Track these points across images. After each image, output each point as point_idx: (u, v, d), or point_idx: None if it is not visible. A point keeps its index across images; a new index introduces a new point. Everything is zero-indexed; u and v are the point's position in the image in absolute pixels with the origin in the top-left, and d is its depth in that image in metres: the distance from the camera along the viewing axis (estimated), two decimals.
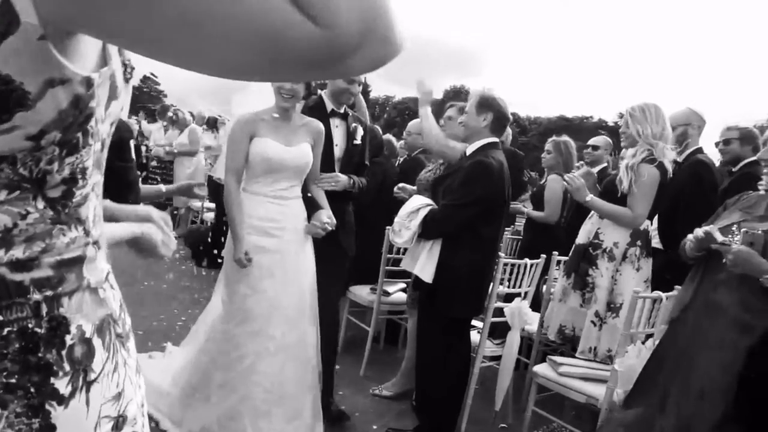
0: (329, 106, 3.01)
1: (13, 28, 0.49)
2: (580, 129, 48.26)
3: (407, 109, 58.93)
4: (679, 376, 2.01)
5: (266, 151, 2.52)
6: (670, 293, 2.53)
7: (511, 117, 2.99)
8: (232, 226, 2.51)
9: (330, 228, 2.62)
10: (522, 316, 3.01)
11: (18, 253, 0.59)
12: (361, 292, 4.00)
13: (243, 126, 2.56)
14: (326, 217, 2.61)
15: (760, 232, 1.94)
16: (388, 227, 3.67)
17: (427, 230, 2.75)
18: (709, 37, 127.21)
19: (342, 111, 3.05)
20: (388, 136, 6.23)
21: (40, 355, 0.59)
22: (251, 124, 2.55)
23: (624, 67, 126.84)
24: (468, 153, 2.86)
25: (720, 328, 1.96)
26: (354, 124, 3.07)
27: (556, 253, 3.47)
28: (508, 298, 3.15)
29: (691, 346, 2.02)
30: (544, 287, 3.47)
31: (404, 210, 2.85)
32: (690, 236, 2.15)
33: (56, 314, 0.61)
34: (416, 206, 2.81)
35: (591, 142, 4.70)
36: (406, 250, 3.00)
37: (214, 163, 7.15)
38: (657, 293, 2.56)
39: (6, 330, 0.57)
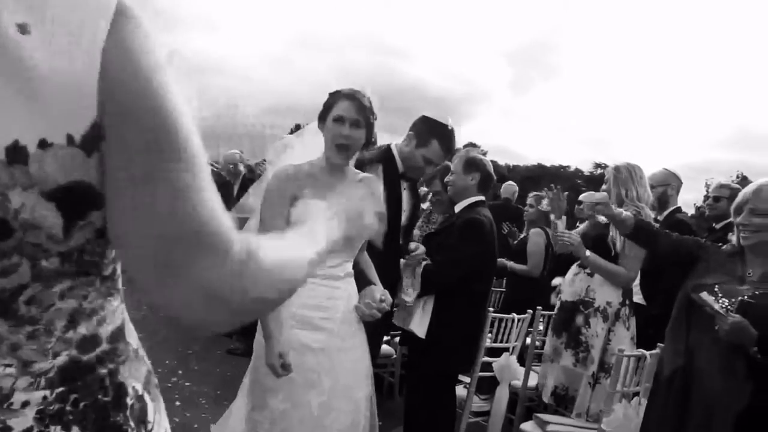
0: (400, 166, 2.69)
1: (98, 145, 0.57)
2: (558, 177, 49.49)
3: None
4: None
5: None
6: (653, 351, 2.58)
7: (495, 176, 3.11)
8: (263, 319, 1.91)
9: (387, 308, 2.07)
10: (511, 371, 3.03)
11: (83, 329, 0.65)
12: None
13: (283, 183, 1.98)
14: (380, 294, 2.06)
15: (754, 300, 1.95)
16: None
17: (426, 286, 2.79)
18: (679, 88, 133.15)
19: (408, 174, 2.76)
20: None
21: (111, 420, 0.67)
22: (293, 181, 1.99)
23: (599, 118, 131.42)
24: (457, 211, 2.95)
25: (705, 395, 2.00)
26: (423, 188, 2.92)
27: (540, 307, 3.52)
28: (493, 352, 3.17)
29: (679, 417, 2.05)
30: (527, 341, 3.50)
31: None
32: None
33: (117, 382, 0.69)
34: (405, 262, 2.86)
35: (582, 198, 4.85)
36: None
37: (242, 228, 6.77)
38: (641, 351, 2.61)
39: (82, 404, 0.64)
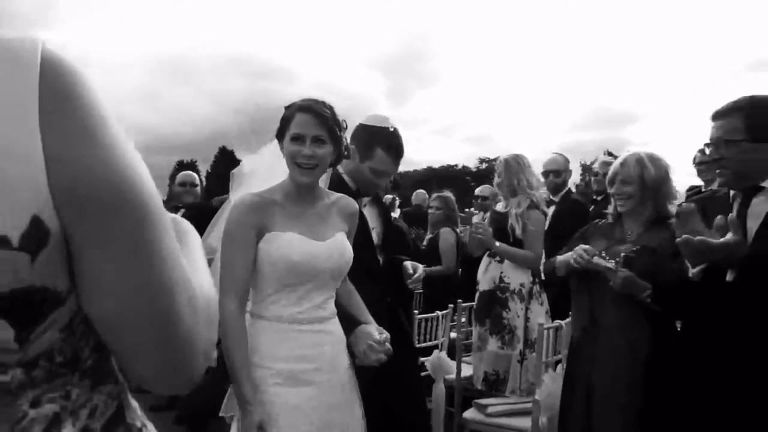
0: (352, 184, 2.39)
1: (45, 241, 0.51)
2: (447, 177, 51.69)
3: None
4: (593, 401, 2.25)
5: (290, 252, 1.68)
6: (568, 320, 2.83)
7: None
8: (236, 380, 1.62)
9: (389, 349, 1.82)
10: (443, 367, 3.16)
11: (68, 430, 0.58)
12: None
13: (244, 216, 1.69)
14: (377, 332, 1.83)
15: (634, 255, 2.24)
16: None
17: None
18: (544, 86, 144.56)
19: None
20: None
21: None
22: (259, 211, 1.70)
23: (476, 116, 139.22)
24: None
25: (615, 347, 2.24)
26: (388, 196, 2.64)
27: (461, 300, 3.69)
28: (424, 352, 3.27)
29: (593, 370, 2.27)
30: (453, 335, 3.65)
31: None
32: (561, 258, 2.42)
33: None
34: None
35: (478, 192, 5.17)
36: None
37: None
38: (558, 322, 2.85)
39: None
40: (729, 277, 1.75)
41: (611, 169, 2.42)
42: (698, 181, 4.32)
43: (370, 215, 2.42)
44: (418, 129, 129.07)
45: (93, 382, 0.62)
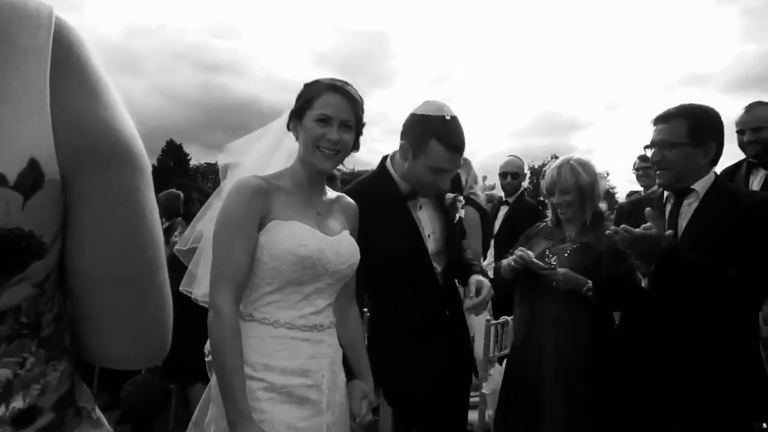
0: (402, 187, 2.06)
1: (39, 185, 0.52)
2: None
3: None
4: (540, 392, 2.33)
5: (299, 243, 1.49)
6: (512, 317, 2.92)
7: None
8: (228, 392, 1.40)
9: (369, 417, 1.69)
10: None
11: (18, 403, 0.57)
12: None
13: (248, 199, 1.48)
14: (360, 392, 1.69)
15: (567, 253, 2.40)
16: None
17: None
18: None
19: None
20: None
21: None
22: (265, 195, 1.51)
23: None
24: None
25: (557, 339, 2.34)
26: (450, 195, 2.17)
27: None
28: None
29: (540, 364, 2.36)
30: None
31: None
32: (506, 261, 2.50)
33: None
34: None
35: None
36: None
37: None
38: (504, 318, 2.93)
39: None
40: (650, 267, 1.87)
41: (547, 180, 2.54)
42: (638, 187, 4.57)
43: (427, 219, 2.11)
44: (373, 129, 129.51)
45: (48, 355, 0.61)
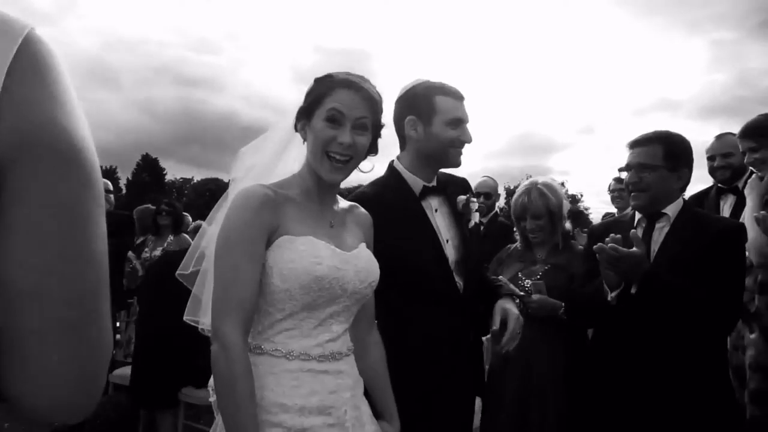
0: (415, 183, 1.88)
1: None
2: None
3: (208, 191, 57.43)
4: (522, 410, 2.33)
5: (315, 262, 1.30)
6: (488, 336, 2.91)
7: None
8: None
9: None
10: None
11: None
12: (196, 393, 3.71)
13: (256, 210, 1.28)
14: None
15: (540, 279, 2.43)
16: None
17: None
18: None
19: (434, 184, 1.92)
20: (200, 222, 6.07)
21: None
22: (271, 206, 1.30)
23: None
24: None
25: (536, 360, 2.35)
26: (463, 197, 1.98)
27: None
28: None
29: (520, 384, 2.36)
30: None
31: None
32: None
33: None
34: None
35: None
36: None
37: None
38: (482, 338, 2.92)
39: None
40: (633, 290, 1.90)
41: (517, 205, 2.57)
42: (612, 208, 4.64)
43: (443, 223, 1.90)
44: None
45: None
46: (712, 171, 3.19)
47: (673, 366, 1.89)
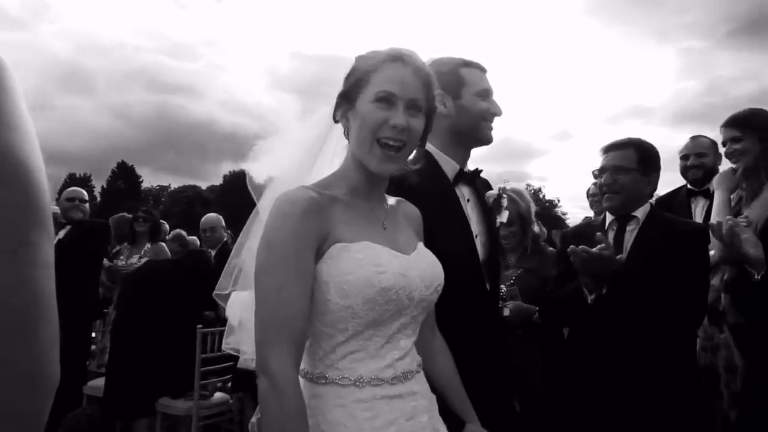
0: (449, 166, 1.74)
1: None
2: None
3: (185, 198, 56.70)
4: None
5: (378, 271, 1.13)
6: None
7: None
8: None
9: None
10: None
11: None
12: (173, 403, 3.66)
13: (302, 218, 1.11)
14: None
15: (513, 284, 2.52)
16: (199, 326, 3.53)
17: None
18: None
19: (467, 169, 1.80)
20: (179, 231, 6.00)
21: None
22: (317, 211, 1.13)
23: None
24: None
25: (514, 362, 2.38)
26: (493, 192, 1.86)
27: None
28: None
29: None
30: None
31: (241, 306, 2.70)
32: None
33: None
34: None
35: None
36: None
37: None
38: None
39: None
40: (603, 290, 1.95)
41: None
42: (591, 213, 4.70)
43: (474, 216, 1.76)
44: None
45: None
46: (685, 170, 3.25)
47: (643, 364, 1.93)
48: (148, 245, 4.67)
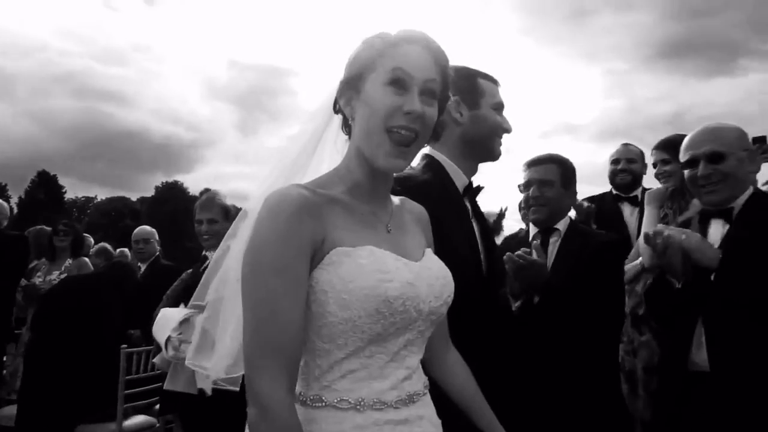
0: (458, 178, 1.66)
1: None
2: None
3: (113, 210, 54.05)
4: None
5: (382, 279, 1.00)
6: None
7: None
8: None
9: None
10: None
11: None
12: (93, 429, 3.42)
13: (294, 218, 0.97)
14: None
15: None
16: (123, 346, 3.34)
17: None
18: None
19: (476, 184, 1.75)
20: (103, 244, 5.69)
21: None
22: (312, 211, 1.00)
23: None
24: None
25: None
26: (492, 211, 1.77)
27: None
28: None
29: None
30: None
31: (171, 323, 2.49)
32: None
33: None
34: (184, 316, 2.50)
35: None
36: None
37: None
38: None
39: None
40: (535, 299, 2.01)
41: None
42: (523, 225, 4.87)
43: (477, 230, 1.71)
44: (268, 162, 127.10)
45: None
46: (614, 174, 3.41)
47: (565, 368, 1.98)
48: (69, 261, 4.40)
